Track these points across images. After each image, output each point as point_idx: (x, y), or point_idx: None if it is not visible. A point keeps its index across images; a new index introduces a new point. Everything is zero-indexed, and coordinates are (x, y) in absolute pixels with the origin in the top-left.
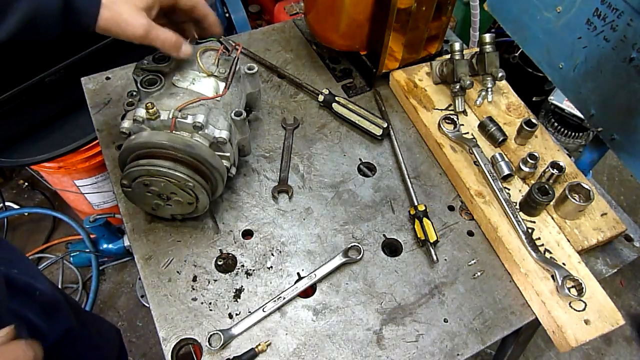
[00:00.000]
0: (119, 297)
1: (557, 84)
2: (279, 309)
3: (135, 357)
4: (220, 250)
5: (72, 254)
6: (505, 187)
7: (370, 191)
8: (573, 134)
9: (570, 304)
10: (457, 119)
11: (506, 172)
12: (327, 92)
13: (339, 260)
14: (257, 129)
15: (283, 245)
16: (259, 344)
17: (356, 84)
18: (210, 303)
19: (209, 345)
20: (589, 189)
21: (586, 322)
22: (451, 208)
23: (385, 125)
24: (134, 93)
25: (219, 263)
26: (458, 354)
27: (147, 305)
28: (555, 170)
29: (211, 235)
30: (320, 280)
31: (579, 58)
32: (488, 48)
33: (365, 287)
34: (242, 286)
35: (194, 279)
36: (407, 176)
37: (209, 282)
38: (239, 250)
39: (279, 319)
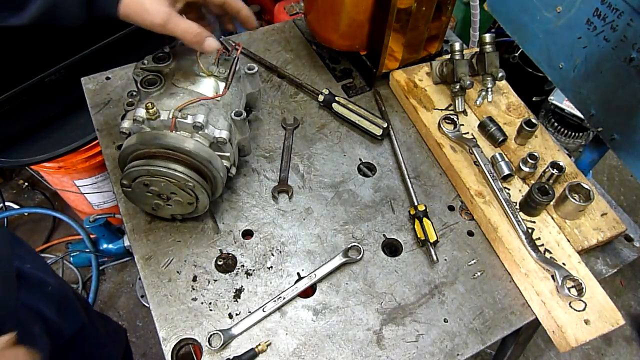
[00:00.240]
0: (119, 297)
1: (557, 84)
2: (279, 309)
3: (135, 357)
4: (220, 250)
5: (72, 254)
6: (505, 187)
7: (370, 191)
8: (573, 134)
9: (570, 304)
10: (457, 119)
11: (506, 172)
12: (327, 92)
13: (339, 260)
14: (257, 129)
15: (283, 245)
16: (259, 344)
17: (356, 84)
18: (210, 303)
19: (209, 345)
20: (589, 189)
21: (586, 322)
22: (451, 208)
23: (385, 125)
24: (134, 93)
25: (219, 263)
26: (458, 354)
27: (147, 305)
28: (555, 170)
29: (211, 235)
30: (320, 280)
31: (579, 58)
32: (488, 48)
33: (365, 287)
34: (242, 286)
35: (194, 279)
36: (407, 176)
37: (209, 282)
38: (239, 250)
39: (279, 319)
